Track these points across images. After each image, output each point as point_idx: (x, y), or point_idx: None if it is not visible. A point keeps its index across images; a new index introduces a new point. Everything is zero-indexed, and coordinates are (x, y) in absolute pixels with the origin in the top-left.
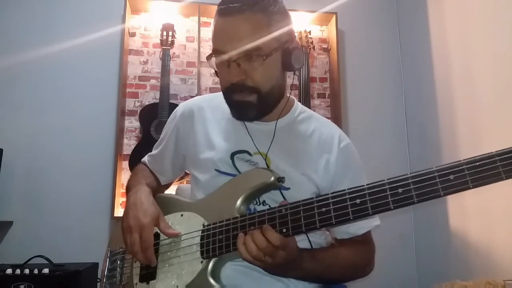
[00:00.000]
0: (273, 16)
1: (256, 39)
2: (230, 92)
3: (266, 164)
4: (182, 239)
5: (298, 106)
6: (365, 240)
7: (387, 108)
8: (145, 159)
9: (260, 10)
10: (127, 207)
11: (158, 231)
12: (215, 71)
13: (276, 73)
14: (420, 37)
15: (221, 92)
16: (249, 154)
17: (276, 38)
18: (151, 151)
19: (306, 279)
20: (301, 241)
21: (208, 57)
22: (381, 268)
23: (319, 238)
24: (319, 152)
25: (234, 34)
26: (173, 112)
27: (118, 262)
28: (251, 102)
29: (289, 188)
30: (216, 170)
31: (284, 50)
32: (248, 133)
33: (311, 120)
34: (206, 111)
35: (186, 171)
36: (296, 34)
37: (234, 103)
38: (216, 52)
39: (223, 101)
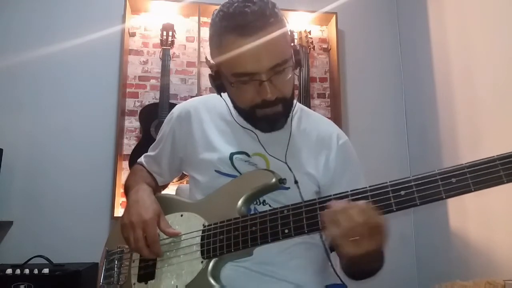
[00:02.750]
0: (283, 23)
1: (283, 53)
2: (260, 108)
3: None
4: (182, 239)
5: (296, 104)
6: None
7: (387, 108)
8: (142, 159)
9: (274, 20)
10: (129, 205)
11: (158, 231)
12: (216, 86)
13: (294, 76)
14: (420, 37)
15: (240, 107)
16: (248, 155)
17: (289, 44)
18: None
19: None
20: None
21: (233, 83)
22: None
23: (319, 240)
24: (318, 150)
25: (265, 54)
26: (169, 114)
27: (116, 262)
28: (279, 112)
29: (289, 188)
30: (216, 171)
31: (294, 51)
32: (242, 137)
33: (309, 118)
34: (203, 112)
35: (184, 172)
36: (296, 33)
37: (264, 117)
38: (242, 75)
39: (219, 102)
